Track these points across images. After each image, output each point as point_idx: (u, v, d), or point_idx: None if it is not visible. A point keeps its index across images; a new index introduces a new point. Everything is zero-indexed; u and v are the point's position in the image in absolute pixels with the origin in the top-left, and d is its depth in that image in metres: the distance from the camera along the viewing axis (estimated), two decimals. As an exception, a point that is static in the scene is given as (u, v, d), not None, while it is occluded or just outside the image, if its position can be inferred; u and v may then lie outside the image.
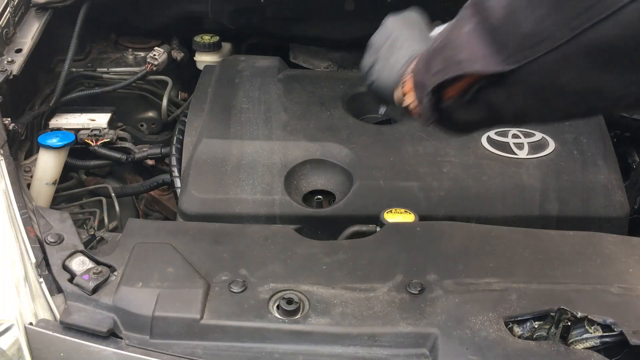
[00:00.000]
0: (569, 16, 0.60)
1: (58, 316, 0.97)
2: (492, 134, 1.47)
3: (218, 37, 1.93)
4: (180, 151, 1.51)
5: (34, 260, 1.03)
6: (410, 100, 0.86)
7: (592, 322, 0.98)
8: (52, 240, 1.09)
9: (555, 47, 0.62)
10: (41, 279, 1.01)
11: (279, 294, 1.01)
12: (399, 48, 0.89)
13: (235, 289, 1.01)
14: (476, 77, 0.72)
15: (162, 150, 1.67)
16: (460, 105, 0.75)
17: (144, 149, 1.69)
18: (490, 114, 0.75)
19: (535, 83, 0.67)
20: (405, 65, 0.87)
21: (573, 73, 0.63)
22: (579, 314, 0.97)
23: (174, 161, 1.51)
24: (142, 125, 1.86)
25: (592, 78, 0.63)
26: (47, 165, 1.45)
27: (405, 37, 0.90)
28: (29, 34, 1.60)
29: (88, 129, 1.64)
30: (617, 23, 0.57)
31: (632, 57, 0.59)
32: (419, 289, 1.03)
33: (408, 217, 1.26)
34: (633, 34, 0.57)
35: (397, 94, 0.89)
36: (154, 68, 1.79)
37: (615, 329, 0.96)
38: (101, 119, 1.68)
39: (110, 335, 0.95)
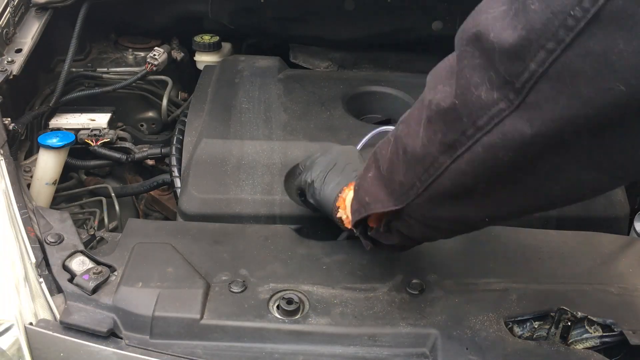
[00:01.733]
0: (419, 173, 0.75)
1: (58, 316, 0.96)
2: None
3: (218, 37, 1.93)
4: (180, 151, 1.51)
5: (34, 260, 1.03)
6: (342, 213, 1.05)
7: (592, 322, 0.98)
8: (52, 240, 1.09)
9: (419, 193, 0.77)
10: (41, 279, 1.01)
11: (279, 294, 1.01)
12: (342, 172, 1.10)
13: (235, 289, 1.01)
14: (382, 213, 0.88)
15: (162, 150, 1.67)
16: (381, 233, 0.92)
17: (144, 149, 1.69)
18: (403, 239, 0.89)
19: (420, 216, 0.82)
20: (342, 186, 1.07)
21: (440, 208, 0.78)
22: (579, 314, 0.97)
23: (174, 161, 1.51)
24: (142, 125, 1.86)
25: (454, 210, 0.77)
26: (47, 165, 1.45)
27: (349, 167, 1.11)
28: (29, 34, 1.60)
29: (88, 129, 1.64)
30: (448, 177, 0.72)
31: (468, 195, 0.73)
32: (419, 289, 1.03)
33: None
34: (461, 182, 0.71)
35: (334, 207, 1.07)
36: (154, 68, 1.78)
37: (615, 329, 0.96)
38: (101, 119, 1.68)
39: (110, 335, 0.95)
